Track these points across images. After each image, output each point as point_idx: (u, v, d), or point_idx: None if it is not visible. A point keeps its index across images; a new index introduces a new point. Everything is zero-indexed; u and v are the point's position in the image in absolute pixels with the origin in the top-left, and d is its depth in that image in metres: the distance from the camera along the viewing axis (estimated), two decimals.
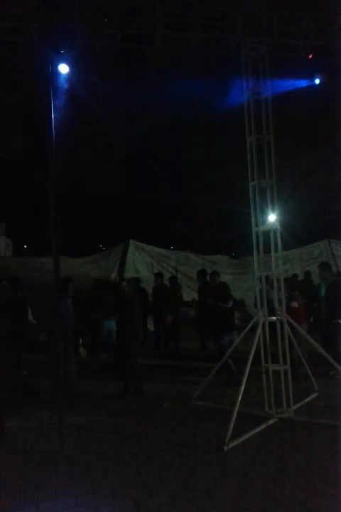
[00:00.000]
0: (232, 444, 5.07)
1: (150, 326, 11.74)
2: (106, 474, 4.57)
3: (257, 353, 5.97)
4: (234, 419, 5.24)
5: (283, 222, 10.75)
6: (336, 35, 6.50)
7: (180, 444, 5.26)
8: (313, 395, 6.75)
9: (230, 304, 8.22)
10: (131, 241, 14.59)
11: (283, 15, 6.43)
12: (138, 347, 7.60)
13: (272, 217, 6.40)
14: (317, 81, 6.87)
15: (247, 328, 6.41)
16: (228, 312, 8.19)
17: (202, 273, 11.00)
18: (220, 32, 6.44)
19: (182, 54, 6.65)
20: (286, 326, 6.17)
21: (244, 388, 5.58)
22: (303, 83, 7.15)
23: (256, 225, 6.38)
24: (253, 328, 6.19)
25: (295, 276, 13.05)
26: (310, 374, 6.92)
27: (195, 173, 10.62)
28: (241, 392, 5.50)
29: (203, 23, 6.38)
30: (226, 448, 4.99)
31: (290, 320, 6.30)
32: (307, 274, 12.37)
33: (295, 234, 13.24)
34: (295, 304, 8.06)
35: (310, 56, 6.48)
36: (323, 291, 8.39)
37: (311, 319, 10.66)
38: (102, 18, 6.01)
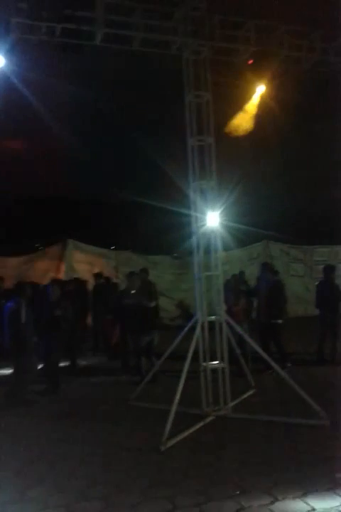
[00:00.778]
0: (170, 444, 5.09)
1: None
2: (39, 480, 4.43)
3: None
4: (171, 418, 5.26)
5: (224, 223, 10.95)
6: (276, 43, 6.70)
7: (117, 446, 5.21)
8: (250, 392, 6.93)
9: (153, 304, 8.24)
10: (70, 240, 14.29)
11: (225, 20, 6.53)
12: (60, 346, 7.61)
13: (212, 219, 6.49)
14: (261, 88, 7.03)
15: (186, 328, 6.45)
16: (150, 312, 8.18)
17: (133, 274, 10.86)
18: (163, 33, 6.45)
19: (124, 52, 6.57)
20: (225, 325, 6.28)
21: (184, 387, 5.62)
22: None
23: (197, 225, 6.44)
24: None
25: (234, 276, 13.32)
26: (248, 371, 7.08)
27: (138, 172, 10.59)
28: (180, 392, 5.53)
29: (146, 23, 6.35)
30: (163, 448, 4.99)
31: (230, 320, 6.41)
32: (241, 273, 12.69)
33: (235, 235, 13.51)
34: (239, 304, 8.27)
35: (251, 61, 6.64)
36: (263, 291, 8.62)
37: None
38: (40, 10, 5.81)
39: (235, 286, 9.24)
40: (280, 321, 8.51)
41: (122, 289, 9.80)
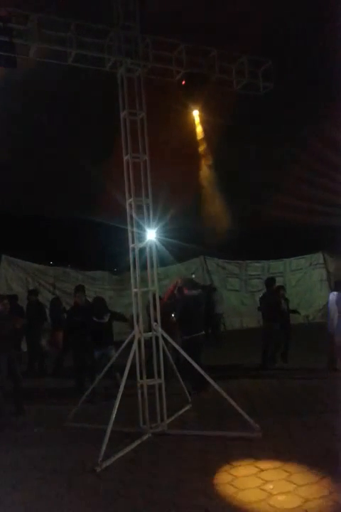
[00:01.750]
0: (105, 464, 5.00)
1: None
2: None
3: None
4: (107, 438, 5.18)
5: (162, 239, 11.06)
6: (207, 65, 6.92)
7: (51, 471, 5.05)
8: (187, 407, 6.98)
9: (106, 319, 8.18)
10: (4, 256, 13.81)
11: (159, 41, 6.67)
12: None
13: (149, 234, 6.54)
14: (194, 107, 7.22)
15: (124, 344, 6.41)
16: (104, 327, 8.12)
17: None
18: (97, 50, 6.47)
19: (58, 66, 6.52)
20: (161, 341, 6.31)
21: (122, 405, 5.57)
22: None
23: (133, 241, 6.45)
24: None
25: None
26: (184, 386, 7.12)
27: (76, 187, 10.46)
28: (115, 410, 5.47)
29: (81, 40, 6.35)
30: (98, 469, 4.90)
31: (166, 335, 6.44)
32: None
33: (173, 251, 13.68)
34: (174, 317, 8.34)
35: (183, 82, 6.81)
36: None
37: None
38: None
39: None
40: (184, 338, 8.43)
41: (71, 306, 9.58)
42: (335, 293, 9.19)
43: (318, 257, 18.56)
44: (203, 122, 7.75)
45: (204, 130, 8.15)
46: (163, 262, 14.31)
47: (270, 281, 10.21)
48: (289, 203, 12.24)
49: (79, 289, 9.02)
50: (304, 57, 7.78)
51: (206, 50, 7.01)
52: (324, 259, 18.55)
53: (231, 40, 7.34)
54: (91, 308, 8.48)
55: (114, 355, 7.14)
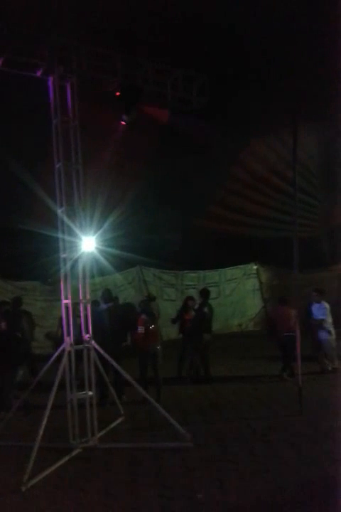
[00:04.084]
0: (32, 483, 4.82)
1: None
2: None
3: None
4: (34, 455, 5.00)
5: (99, 248, 10.90)
6: (141, 78, 6.96)
7: None
8: (119, 420, 6.89)
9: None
10: None
11: (93, 50, 6.62)
12: None
13: (84, 244, 6.43)
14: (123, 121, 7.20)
15: (53, 357, 6.23)
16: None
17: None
18: (30, 56, 6.31)
19: None
20: (93, 353, 6.19)
21: (51, 420, 5.40)
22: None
23: (64, 251, 6.32)
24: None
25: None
26: (117, 399, 7.03)
27: (5, 193, 10.07)
28: (44, 426, 5.29)
29: (12, 45, 6.16)
30: (24, 488, 4.71)
31: (98, 347, 6.34)
32: (115, 298, 12.76)
33: (111, 261, 13.54)
34: (141, 330, 8.04)
35: (117, 93, 6.80)
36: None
37: None
38: None
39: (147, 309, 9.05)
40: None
41: None
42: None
43: (251, 267, 19.14)
44: (138, 132, 7.77)
45: (139, 140, 8.19)
46: (100, 272, 14.13)
47: (204, 293, 10.27)
48: (223, 215, 12.53)
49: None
50: (239, 73, 8.00)
51: (141, 63, 7.05)
52: (257, 269, 19.16)
53: (169, 54, 7.42)
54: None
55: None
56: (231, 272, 18.71)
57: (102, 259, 11.72)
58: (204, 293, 10.20)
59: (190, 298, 10.58)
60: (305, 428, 6.18)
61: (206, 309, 9.74)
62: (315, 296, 9.70)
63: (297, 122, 6.87)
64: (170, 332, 16.83)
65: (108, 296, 8.78)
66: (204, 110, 7.64)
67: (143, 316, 8.26)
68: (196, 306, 10.03)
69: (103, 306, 8.56)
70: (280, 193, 11.60)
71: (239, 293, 18.86)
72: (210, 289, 16.23)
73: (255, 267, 18.99)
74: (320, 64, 7.81)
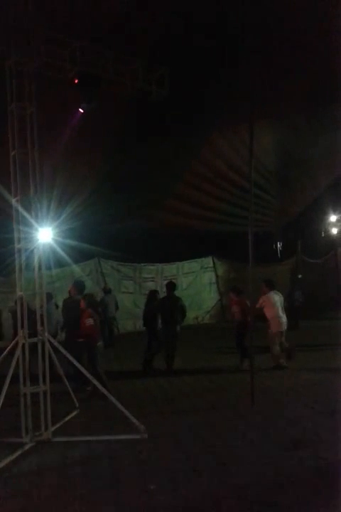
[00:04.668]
0: None
1: None
2: None
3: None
4: None
5: (57, 239, 10.71)
6: (101, 66, 6.86)
7: None
8: (74, 413, 6.82)
9: None
10: None
11: (52, 37, 6.46)
12: None
13: (40, 235, 6.28)
14: (81, 109, 7.09)
15: (6, 351, 6.09)
16: None
17: None
18: None
19: None
20: (48, 345, 6.09)
21: (4, 414, 5.29)
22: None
23: (19, 242, 6.15)
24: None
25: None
26: (71, 391, 6.95)
27: None
28: None
29: None
30: None
31: (52, 339, 6.24)
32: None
33: (69, 252, 13.35)
34: (90, 322, 7.79)
35: (76, 81, 6.67)
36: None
37: None
38: None
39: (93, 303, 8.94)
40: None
41: None
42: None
43: (208, 261, 19.39)
44: (96, 122, 7.67)
45: (98, 130, 8.09)
46: (58, 264, 13.89)
47: (170, 286, 10.31)
48: (182, 208, 12.62)
49: None
50: (201, 67, 8.02)
51: (101, 51, 6.95)
52: (213, 263, 19.44)
53: (130, 43, 7.34)
54: None
55: None
56: (188, 265, 18.89)
57: (59, 251, 11.56)
58: (170, 286, 10.29)
59: (156, 291, 10.83)
60: (257, 418, 6.34)
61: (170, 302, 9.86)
62: (264, 288, 9.82)
63: (254, 119, 6.98)
64: (127, 324, 16.85)
65: (79, 288, 8.71)
66: (164, 102, 7.64)
67: (90, 310, 8.14)
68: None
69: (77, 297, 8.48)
70: (237, 187, 11.81)
71: (195, 286, 19.09)
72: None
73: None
74: (277, 60, 7.99)
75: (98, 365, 7.65)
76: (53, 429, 5.95)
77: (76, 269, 15.96)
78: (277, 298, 9.72)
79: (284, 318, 9.68)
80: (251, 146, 7.01)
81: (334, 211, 19.31)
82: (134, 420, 5.83)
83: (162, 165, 9.89)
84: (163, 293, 12.00)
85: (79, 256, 14.88)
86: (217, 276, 19.52)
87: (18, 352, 5.78)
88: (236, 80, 7.71)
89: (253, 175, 7.22)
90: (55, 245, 11.20)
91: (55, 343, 6.21)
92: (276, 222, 16.24)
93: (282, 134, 10.35)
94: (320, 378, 8.36)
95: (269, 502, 4.10)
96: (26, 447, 5.54)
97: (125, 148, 8.83)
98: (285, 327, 9.66)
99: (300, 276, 19.50)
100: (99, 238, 13.52)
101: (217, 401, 7.38)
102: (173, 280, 12.21)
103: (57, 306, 10.50)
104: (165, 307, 9.83)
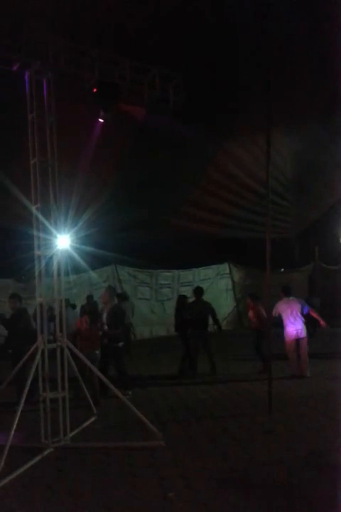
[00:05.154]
0: (3, 483, 4.75)
1: None
2: None
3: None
4: (5, 455, 4.93)
5: (74, 246, 10.82)
6: (119, 75, 6.93)
7: None
8: (92, 419, 6.86)
9: None
10: None
11: (71, 46, 6.54)
12: None
13: (59, 241, 6.37)
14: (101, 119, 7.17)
15: (26, 356, 6.16)
16: None
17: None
18: (6, 50, 6.20)
19: None
20: (67, 352, 6.15)
21: (24, 419, 5.35)
22: None
23: (39, 248, 6.24)
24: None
25: (89, 297, 13.28)
26: (89, 398, 7.00)
27: None
28: (15, 425, 5.22)
29: None
30: None
31: (71, 346, 6.30)
32: (89, 297, 12.71)
33: (86, 258, 13.47)
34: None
35: (94, 90, 6.75)
36: (104, 315, 8.62)
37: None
38: None
39: (91, 310, 9.14)
40: (119, 344, 8.50)
41: None
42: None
43: (225, 267, 19.34)
44: (114, 130, 7.75)
45: (115, 138, 8.16)
46: (75, 270, 14.01)
47: (199, 291, 10.57)
48: (198, 215, 12.61)
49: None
50: (217, 75, 8.06)
51: (118, 60, 7.02)
52: (229, 269, 19.37)
53: (147, 52, 7.40)
54: None
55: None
56: (204, 271, 18.87)
57: (77, 257, 11.67)
58: (198, 290, 10.59)
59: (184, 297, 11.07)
60: (275, 427, 6.29)
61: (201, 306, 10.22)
62: (281, 294, 9.75)
63: (271, 124, 6.97)
64: (144, 331, 16.90)
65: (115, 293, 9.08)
66: (181, 110, 7.67)
67: (86, 317, 8.29)
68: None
69: (113, 302, 8.68)
70: (253, 193, 11.78)
71: (212, 292, 19.02)
72: (184, 288, 16.41)
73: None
74: (297, 67, 7.98)
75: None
76: (71, 434, 5.99)
77: (93, 275, 16.09)
78: (293, 305, 9.62)
79: (300, 326, 9.54)
80: (268, 152, 6.99)
81: None
82: (152, 427, 5.84)
83: (178, 172, 9.92)
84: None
85: (96, 262, 15.00)
86: (233, 282, 19.44)
87: (38, 357, 5.84)
88: (254, 86, 7.71)
89: (270, 181, 7.20)
90: (72, 252, 11.34)
91: (75, 349, 6.26)
92: (293, 229, 16.11)
93: (299, 140, 10.29)
94: (339, 387, 8.26)
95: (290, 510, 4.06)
96: (45, 452, 5.59)
97: (141, 156, 8.89)
98: (301, 335, 9.49)
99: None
100: (116, 245, 13.60)
101: (234, 408, 7.35)
102: (188, 287, 12.32)
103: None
104: (195, 311, 10.06)
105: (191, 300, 10.81)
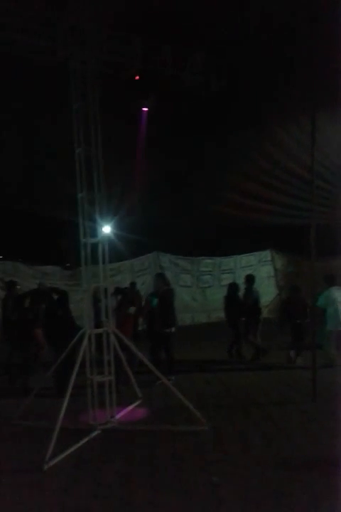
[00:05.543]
0: (53, 462, 4.94)
1: None
2: None
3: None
4: (55, 435, 5.12)
5: (117, 233, 10.95)
6: (161, 61, 6.93)
7: None
8: (136, 403, 6.99)
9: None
10: None
11: (112, 34, 6.60)
12: None
13: (103, 229, 6.49)
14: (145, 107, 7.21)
15: (74, 341, 6.32)
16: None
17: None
18: (48, 40, 6.31)
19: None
20: (113, 337, 6.29)
21: (72, 401, 5.51)
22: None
23: (84, 236, 6.38)
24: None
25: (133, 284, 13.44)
26: (134, 382, 7.12)
27: (23, 180, 10.15)
28: (64, 407, 5.40)
29: (30, 28, 6.16)
30: (46, 467, 4.83)
31: (117, 331, 6.42)
32: (133, 284, 12.84)
33: (127, 246, 13.62)
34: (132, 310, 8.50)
35: (137, 77, 6.78)
36: (155, 301, 8.72)
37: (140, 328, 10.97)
38: None
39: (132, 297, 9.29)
40: (172, 330, 8.62)
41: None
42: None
43: (266, 254, 19.02)
44: (156, 119, 7.76)
45: (157, 127, 8.18)
46: (116, 257, 14.21)
47: (251, 278, 10.69)
48: (240, 201, 12.47)
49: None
50: (258, 58, 7.90)
51: (160, 46, 7.01)
52: (272, 256, 19.05)
53: (188, 37, 7.33)
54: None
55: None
56: (246, 258, 18.63)
57: (119, 244, 11.81)
58: (250, 279, 10.69)
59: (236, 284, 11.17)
60: (319, 414, 6.21)
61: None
62: (324, 283, 9.48)
63: (316, 108, 6.78)
64: (185, 318, 16.94)
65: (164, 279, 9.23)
66: (222, 94, 7.58)
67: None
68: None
69: (164, 288, 8.85)
70: (297, 179, 11.50)
71: None
72: (226, 275, 16.26)
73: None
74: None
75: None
76: (118, 417, 6.14)
77: (135, 262, 16.25)
78: (337, 294, 9.35)
79: None
80: (312, 136, 6.81)
81: None
82: (196, 412, 5.90)
83: (221, 159, 9.84)
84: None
85: (138, 250, 15.13)
86: (275, 269, 19.12)
87: (85, 342, 6.00)
88: (298, 70, 7.51)
89: (315, 166, 7.02)
90: (116, 239, 11.49)
91: (120, 335, 6.38)
92: (339, 214, 15.64)
93: None
94: None
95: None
96: (93, 434, 5.76)
97: (184, 144, 8.87)
98: None
99: None
100: (158, 232, 13.65)
101: (278, 396, 7.31)
102: (230, 274, 12.28)
103: None
104: (249, 299, 10.28)
105: (243, 288, 10.81)
